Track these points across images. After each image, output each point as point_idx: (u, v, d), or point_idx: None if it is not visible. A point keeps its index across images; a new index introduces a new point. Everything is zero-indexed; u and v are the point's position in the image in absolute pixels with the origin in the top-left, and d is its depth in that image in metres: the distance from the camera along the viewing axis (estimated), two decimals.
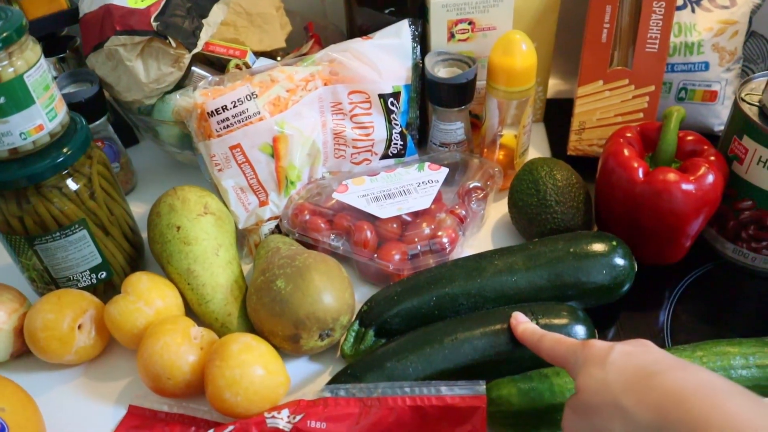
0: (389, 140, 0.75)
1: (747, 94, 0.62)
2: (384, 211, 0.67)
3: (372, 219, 0.67)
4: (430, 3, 0.71)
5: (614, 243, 0.61)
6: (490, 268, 0.60)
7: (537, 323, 0.54)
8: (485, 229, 0.74)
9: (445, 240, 0.64)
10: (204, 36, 0.71)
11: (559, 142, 0.83)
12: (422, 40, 0.75)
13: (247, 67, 0.76)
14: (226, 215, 0.68)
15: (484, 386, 0.50)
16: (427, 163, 0.72)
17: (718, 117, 0.80)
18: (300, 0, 0.89)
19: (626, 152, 0.62)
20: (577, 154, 0.79)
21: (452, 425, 0.50)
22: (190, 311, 0.64)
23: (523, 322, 0.53)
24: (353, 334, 0.60)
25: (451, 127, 0.74)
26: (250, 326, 0.62)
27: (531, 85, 0.70)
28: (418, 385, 0.52)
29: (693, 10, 0.77)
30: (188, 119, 0.67)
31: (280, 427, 0.51)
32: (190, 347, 0.56)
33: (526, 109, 0.72)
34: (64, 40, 0.86)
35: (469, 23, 0.73)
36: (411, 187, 0.69)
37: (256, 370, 0.53)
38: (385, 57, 0.72)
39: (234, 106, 0.65)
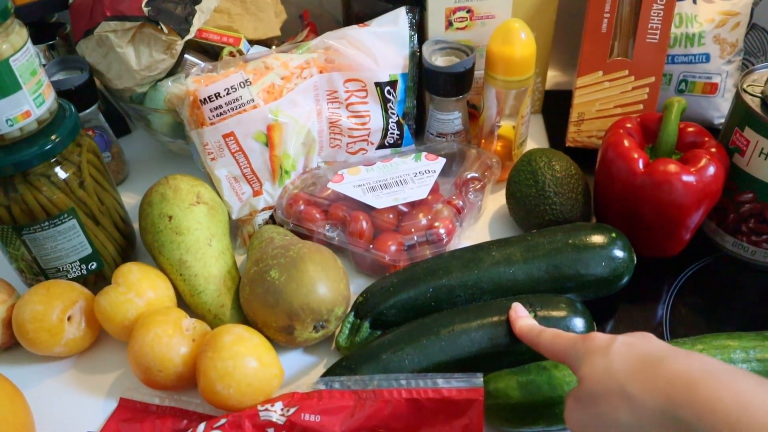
0: (385, 130, 0.74)
1: (749, 85, 0.62)
2: (380, 201, 0.66)
3: (368, 209, 0.66)
4: None
5: (613, 235, 0.60)
6: (488, 260, 0.59)
7: (535, 315, 0.54)
8: (483, 221, 0.73)
9: (442, 231, 0.63)
10: (197, 22, 0.70)
11: (558, 133, 0.82)
12: (420, 28, 0.74)
13: (241, 54, 0.74)
14: (219, 205, 0.67)
15: (482, 379, 0.50)
16: (424, 153, 0.71)
17: (718, 110, 0.79)
18: None
19: (626, 143, 0.62)
20: (576, 146, 0.78)
21: (449, 418, 0.50)
22: (182, 302, 0.63)
23: (522, 317, 0.53)
24: (348, 325, 0.60)
25: (448, 117, 0.73)
26: (244, 318, 0.61)
27: (530, 74, 0.69)
28: (414, 377, 0.51)
29: (694, 1, 0.76)
30: (180, 107, 0.66)
31: (274, 420, 0.50)
32: (182, 339, 0.55)
33: (524, 100, 0.71)
34: (54, 26, 0.84)
35: (468, 11, 0.72)
36: (408, 178, 0.68)
37: (249, 362, 0.52)
38: (381, 45, 0.71)
39: (227, 94, 0.64)
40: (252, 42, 0.77)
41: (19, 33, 0.54)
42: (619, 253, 0.59)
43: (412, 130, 0.77)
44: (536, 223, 0.66)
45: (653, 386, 0.38)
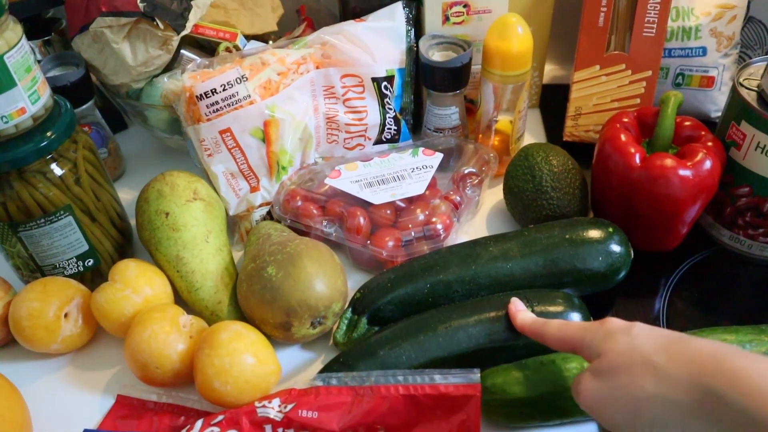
0: (383, 125, 0.73)
1: (745, 79, 0.61)
2: (377, 197, 0.66)
3: (365, 205, 0.66)
4: None
5: (610, 229, 0.60)
6: (485, 255, 0.59)
7: (532, 310, 0.53)
8: (480, 216, 0.73)
9: (439, 226, 0.63)
10: (193, 18, 0.70)
11: (555, 128, 0.82)
12: (416, 23, 0.74)
13: (238, 50, 0.74)
14: (216, 201, 0.67)
15: (479, 374, 0.50)
16: (421, 149, 0.71)
17: (715, 103, 0.79)
18: None
19: (623, 137, 0.62)
20: (573, 140, 0.78)
21: (446, 414, 0.50)
22: (179, 299, 0.63)
23: (522, 310, 0.53)
24: (346, 321, 0.60)
25: (445, 112, 0.73)
26: (241, 314, 0.61)
27: (527, 69, 0.69)
28: (412, 373, 0.51)
29: None
30: (176, 103, 0.66)
31: (271, 416, 0.50)
32: (179, 336, 0.55)
33: (521, 94, 0.71)
34: (50, 22, 0.84)
35: (464, 6, 0.72)
36: (405, 173, 0.68)
37: (246, 359, 0.52)
38: (378, 40, 0.71)
39: (223, 89, 0.64)
40: (249, 37, 0.77)
41: (13, 29, 0.53)
42: (616, 248, 0.59)
43: (410, 125, 0.77)
44: (533, 218, 0.66)
45: (680, 357, 0.38)
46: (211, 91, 0.64)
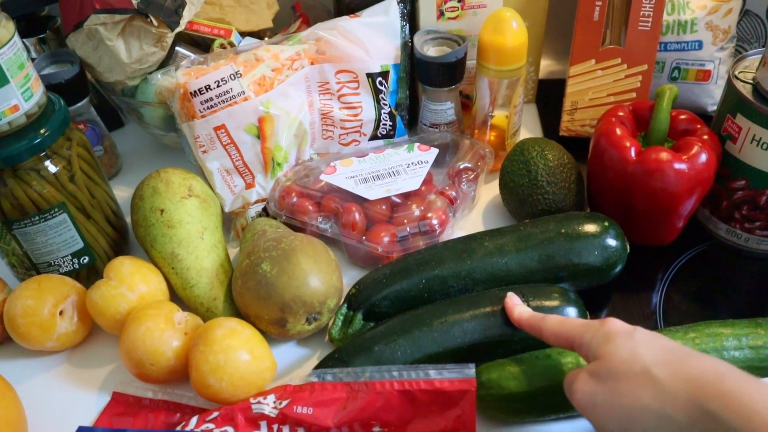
0: (378, 121, 0.73)
1: (741, 72, 0.61)
2: (373, 192, 0.66)
3: (361, 201, 0.66)
4: None
5: (606, 224, 0.60)
6: (481, 250, 0.59)
7: (528, 305, 0.53)
8: (476, 211, 0.73)
9: (435, 222, 0.63)
10: (187, 14, 0.69)
11: (551, 122, 0.82)
12: (411, 18, 0.73)
13: (232, 46, 0.74)
14: (211, 198, 0.67)
15: (474, 369, 0.50)
16: (416, 144, 0.71)
17: (712, 97, 0.79)
18: None
19: (618, 131, 0.61)
20: (569, 135, 0.78)
21: (441, 409, 0.50)
22: (175, 296, 0.63)
23: (519, 304, 0.52)
24: (341, 317, 0.59)
25: (441, 108, 0.73)
26: (236, 311, 0.60)
27: (522, 64, 0.69)
28: (407, 369, 0.51)
29: None
30: (171, 100, 0.66)
31: (266, 412, 0.50)
32: (174, 332, 0.55)
33: (517, 89, 0.70)
34: (44, 20, 0.84)
35: (459, 1, 0.72)
36: (400, 168, 0.68)
37: (241, 355, 0.52)
38: (373, 35, 0.70)
39: (217, 86, 0.64)
40: (244, 34, 0.77)
41: (5, 26, 0.53)
42: (612, 242, 0.59)
43: (405, 120, 0.77)
44: (529, 212, 0.66)
45: (680, 374, 0.38)
46: (205, 87, 0.64)
